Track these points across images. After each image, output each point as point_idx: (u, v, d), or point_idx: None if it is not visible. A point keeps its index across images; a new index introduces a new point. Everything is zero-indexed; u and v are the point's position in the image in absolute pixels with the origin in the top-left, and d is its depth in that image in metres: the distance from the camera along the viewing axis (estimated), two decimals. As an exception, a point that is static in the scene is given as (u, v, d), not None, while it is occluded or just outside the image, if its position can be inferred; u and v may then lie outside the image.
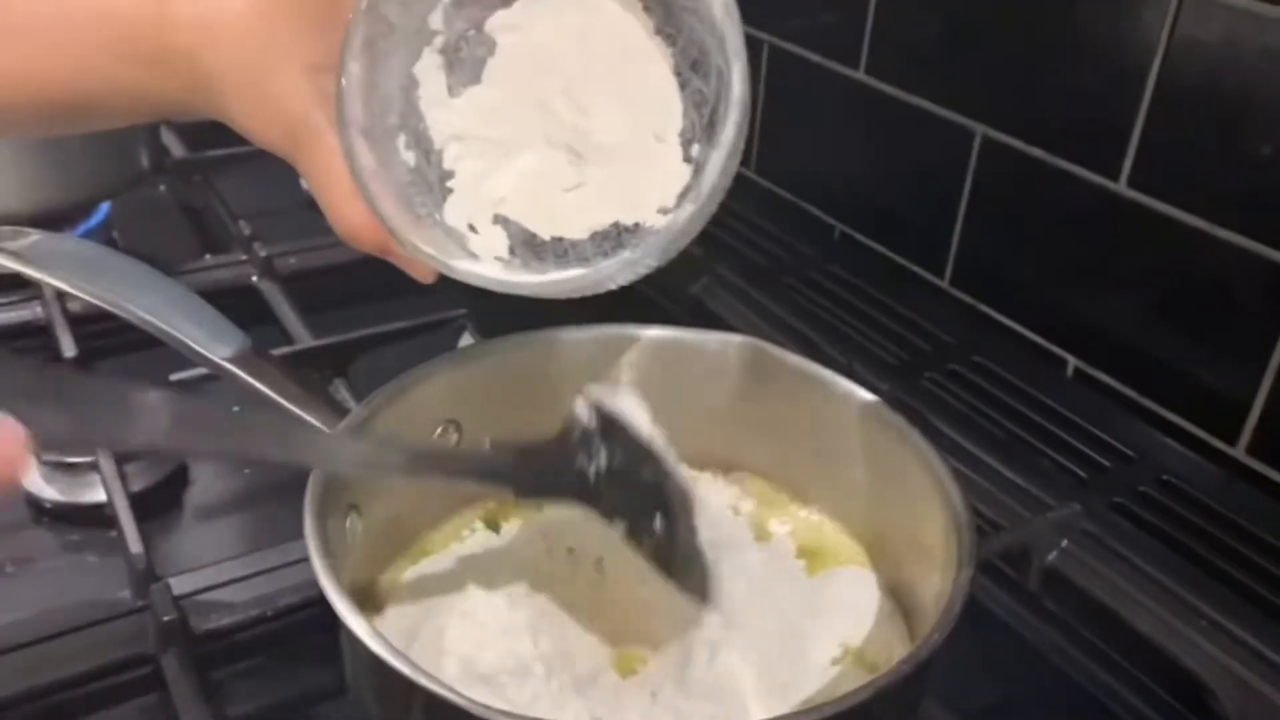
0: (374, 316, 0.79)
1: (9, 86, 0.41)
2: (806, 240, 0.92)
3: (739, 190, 1.10)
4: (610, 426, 0.43)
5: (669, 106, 0.41)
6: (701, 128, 0.40)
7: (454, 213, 0.43)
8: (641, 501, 0.43)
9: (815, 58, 0.91)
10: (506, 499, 0.45)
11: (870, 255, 0.90)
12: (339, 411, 0.50)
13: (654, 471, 0.44)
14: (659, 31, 0.41)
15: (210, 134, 1.02)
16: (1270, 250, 0.63)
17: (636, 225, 0.41)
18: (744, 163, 1.00)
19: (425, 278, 0.44)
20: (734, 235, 0.92)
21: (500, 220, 0.43)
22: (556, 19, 0.42)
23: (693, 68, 0.40)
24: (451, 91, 0.43)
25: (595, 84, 0.41)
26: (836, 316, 0.82)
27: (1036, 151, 0.75)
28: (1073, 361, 0.76)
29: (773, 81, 0.96)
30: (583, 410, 0.44)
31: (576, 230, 0.42)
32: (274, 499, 0.63)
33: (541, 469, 0.43)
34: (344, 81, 0.40)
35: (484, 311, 0.78)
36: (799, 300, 0.83)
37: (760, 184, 1.00)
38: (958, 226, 0.82)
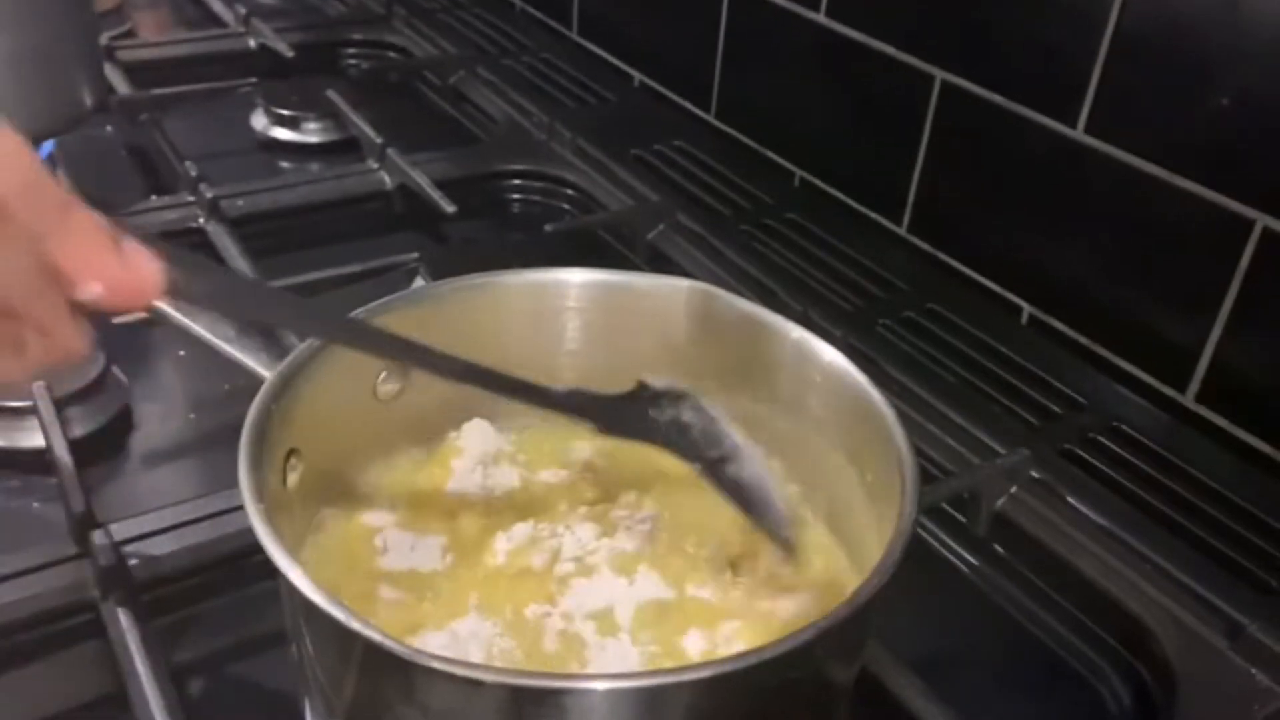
0: (325, 260, 0.77)
1: None
2: (765, 187, 0.91)
3: (697, 134, 1.08)
4: (675, 392, 0.49)
5: None
6: None
7: None
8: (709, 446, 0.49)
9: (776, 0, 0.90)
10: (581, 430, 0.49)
11: (829, 202, 0.89)
12: (279, 353, 0.49)
13: (716, 427, 0.49)
14: None
15: (157, 73, 1.01)
16: (1225, 199, 0.63)
17: None
18: (703, 106, 1.00)
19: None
20: (692, 181, 0.91)
21: None
22: None
23: None
24: None
25: None
26: (793, 263, 0.81)
27: (995, 97, 0.75)
28: (1027, 309, 0.76)
29: (734, 24, 0.95)
30: (652, 379, 0.49)
31: None
32: (219, 444, 0.62)
33: (621, 414, 0.48)
34: None
35: (436, 256, 0.77)
36: (756, 247, 0.83)
37: (720, 128, 0.99)
38: (916, 172, 0.82)
